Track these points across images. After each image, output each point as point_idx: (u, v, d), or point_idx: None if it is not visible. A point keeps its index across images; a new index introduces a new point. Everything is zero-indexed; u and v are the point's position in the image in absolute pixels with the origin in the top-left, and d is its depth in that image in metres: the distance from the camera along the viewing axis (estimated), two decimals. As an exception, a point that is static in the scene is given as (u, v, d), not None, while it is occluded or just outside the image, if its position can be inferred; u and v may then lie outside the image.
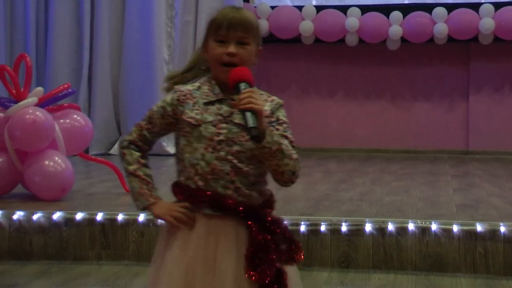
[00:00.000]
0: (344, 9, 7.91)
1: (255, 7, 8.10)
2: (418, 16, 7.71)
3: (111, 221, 4.23)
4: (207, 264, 2.12)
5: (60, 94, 5.15)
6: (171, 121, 2.23)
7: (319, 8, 8.01)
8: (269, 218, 2.18)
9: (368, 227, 3.96)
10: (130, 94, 7.86)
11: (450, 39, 7.69)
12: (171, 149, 7.78)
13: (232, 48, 2.16)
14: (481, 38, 7.61)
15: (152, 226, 4.17)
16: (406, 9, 7.81)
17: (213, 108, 2.17)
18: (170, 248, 2.19)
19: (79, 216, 4.27)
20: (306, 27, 7.84)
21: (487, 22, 7.44)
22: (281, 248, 2.15)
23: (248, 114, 2.02)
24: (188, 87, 2.24)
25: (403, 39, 7.76)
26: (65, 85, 5.21)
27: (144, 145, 2.28)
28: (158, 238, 2.30)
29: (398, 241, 3.93)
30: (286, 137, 2.15)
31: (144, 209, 2.24)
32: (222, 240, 2.13)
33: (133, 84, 7.83)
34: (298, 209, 4.45)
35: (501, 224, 3.92)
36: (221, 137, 2.14)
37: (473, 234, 3.89)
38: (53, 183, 4.77)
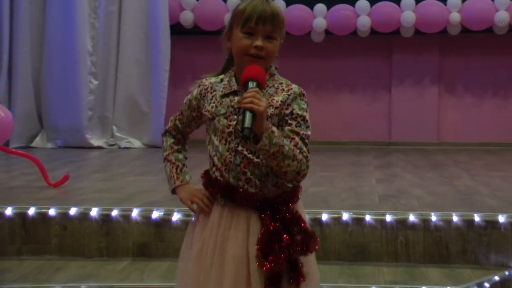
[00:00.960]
0: None
1: (180, -2, 8.05)
2: (342, 9, 7.80)
3: (32, 215, 4.14)
4: (216, 252, 2.16)
5: (-21, 86, 5.01)
6: (196, 114, 2.31)
7: None
8: (283, 209, 2.18)
9: (292, 218, 3.97)
10: (51, 86, 7.73)
11: (373, 31, 7.81)
12: (95, 142, 7.69)
13: (259, 42, 2.17)
14: (402, 31, 7.75)
15: (75, 220, 4.11)
16: (330, 2, 7.88)
17: (227, 100, 2.19)
18: (189, 241, 2.28)
19: (-2, 210, 4.16)
20: (231, 19, 7.82)
21: (408, 15, 7.58)
22: (296, 239, 2.15)
23: (247, 114, 2.01)
24: (212, 79, 2.29)
25: (327, 32, 7.83)
26: (-16, 77, 5.07)
27: (177, 133, 2.39)
28: (186, 234, 2.35)
29: (322, 231, 3.97)
30: (298, 133, 2.13)
31: (173, 192, 2.34)
32: (233, 229, 2.16)
33: (55, 76, 7.69)
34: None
35: (422, 213, 4.00)
36: (231, 129, 2.16)
37: (395, 223, 3.96)
38: (-28, 177, 4.64)
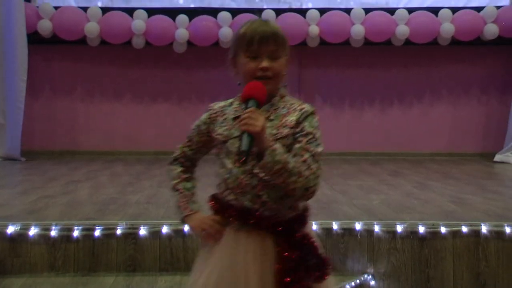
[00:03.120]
0: (130, 11, 7.86)
1: (37, 7, 7.82)
2: (204, 20, 7.82)
3: None
4: (234, 274, 2.14)
5: None
6: (206, 138, 2.31)
7: (104, 9, 7.89)
8: (298, 233, 2.17)
9: (152, 230, 3.95)
10: None
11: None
12: None
13: (265, 63, 2.17)
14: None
15: None
16: (192, 13, 7.89)
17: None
18: (201, 262, 2.26)
19: None
20: (92, 28, 7.69)
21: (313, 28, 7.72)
22: (310, 265, 2.15)
23: (244, 137, 2.00)
24: (221, 103, 2.30)
25: (189, 42, 7.84)
26: None
27: (186, 161, 2.40)
28: (199, 253, 2.33)
29: (184, 242, 3.96)
30: (307, 150, 2.12)
31: (182, 221, 2.32)
32: (250, 255, 2.15)
33: None
34: (84, 213, 4.34)
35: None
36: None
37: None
38: None
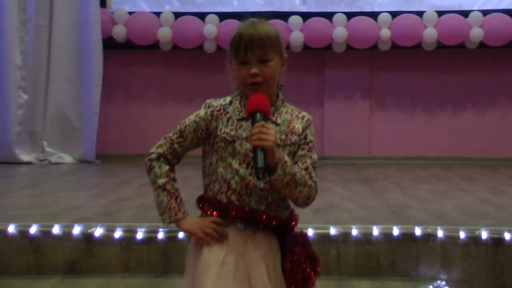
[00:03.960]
0: (202, 15, 7.93)
1: (112, 12, 7.98)
2: (275, 24, 7.82)
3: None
4: (246, 278, 2.16)
5: None
6: (203, 136, 2.25)
7: (177, 14, 7.99)
8: (294, 232, 2.24)
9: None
10: (-20, 100, 7.54)
11: (306, 47, 7.88)
12: (24, 157, 7.54)
13: (254, 69, 2.17)
14: (334, 46, 7.84)
15: (2, 237, 4.01)
16: (262, 17, 7.89)
17: (247, 124, 2.17)
18: (208, 260, 2.19)
19: None
20: (164, 33, 7.80)
21: (340, 31, 7.68)
22: (313, 264, 2.22)
23: (258, 153, 2.01)
24: (220, 101, 2.26)
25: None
26: None
27: (174, 158, 2.29)
28: (189, 253, 2.31)
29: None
30: (310, 157, 2.19)
31: (170, 223, 2.25)
32: (257, 253, 2.17)
33: (-17, 90, 7.52)
34: (157, 216, 4.39)
35: (353, 227, 4.04)
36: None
37: (326, 237, 3.99)
38: None
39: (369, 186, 5.95)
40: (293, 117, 2.25)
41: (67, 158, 7.72)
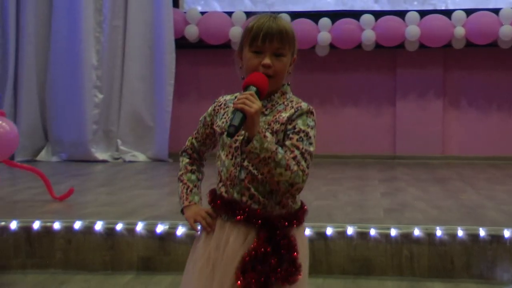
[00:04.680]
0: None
1: (185, 12, 8.07)
2: (346, 23, 7.81)
3: (36, 229, 4.14)
4: (219, 268, 2.17)
5: (-16, 100, 5.03)
6: (210, 131, 2.32)
7: (248, 14, 8.02)
8: (281, 232, 2.16)
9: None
10: (57, 100, 7.74)
11: (378, 45, 7.82)
12: (100, 155, 7.69)
13: (267, 60, 2.17)
14: (407, 45, 7.76)
15: (79, 234, 4.11)
16: (334, 16, 7.90)
17: None
18: (192, 255, 2.29)
19: (3, 224, 4.17)
20: (236, 33, 7.85)
21: (413, 29, 7.59)
22: (281, 266, 2.14)
23: (237, 113, 2.02)
24: (228, 97, 2.32)
25: (331, 46, 7.85)
26: (-11, 90, 5.08)
27: (193, 153, 2.39)
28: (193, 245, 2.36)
29: (326, 245, 3.97)
30: (298, 147, 2.10)
31: (182, 211, 2.34)
32: (231, 243, 2.16)
33: (60, 90, 7.71)
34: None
35: (426, 227, 3.99)
36: (237, 144, 2.16)
37: (399, 237, 3.96)
38: (-23, 190, 4.65)
39: (443, 186, 5.86)
40: (287, 108, 2.19)
41: (141, 157, 7.85)
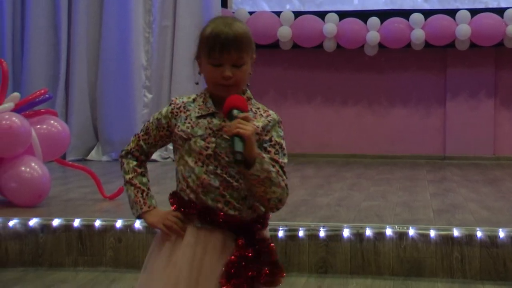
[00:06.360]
0: (322, 14, 7.94)
1: (233, 12, 8.10)
2: (395, 22, 7.75)
3: (88, 227, 4.20)
4: (192, 273, 2.12)
5: (37, 100, 5.12)
6: (165, 133, 2.24)
7: (297, 13, 8.02)
8: (257, 236, 2.17)
9: (346, 232, 3.96)
10: (107, 99, 7.83)
11: (427, 45, 7.74)
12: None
13: (228, 73, 2.13)
14: (457, 44, 7.66)
15: (129, 232, 4.15)
16: (383, 15, 7.85)
17: (204, 121, 2.16)
18: (158, 257, 2.21)
19: (55, 222, 4.24)
20: (284, 32, 7.85)
21: (463, 28, 7.50)
22: (263, 269, 2.13)
23: (236, 139, 2.01)
24: (184, 99, 2.24)
25: (380, 45, 7.80)
26: (42, 91, 5.17)
27: (141, 155, 2.29)
28: (151, 246, 2.30)
29: (375, 246, 3.94)
30: (277, 161, 2.12)
31: (138, 217, 2.27)
32: (209, 252, 2.13)
33: (110, 90, 7.80)
34: (276, 215, 4.43)
35: (478, 229, 3.94)
36: (209, 151, 2.13)
37: (450, 239, 3.91)
38: (30, 189, 4.73)
39: (495, 187, 5.78)
40: (256, 115, 2.17)
41: (189, 156, 7.89)
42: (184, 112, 2.20)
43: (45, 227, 4.23)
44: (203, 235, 2.14)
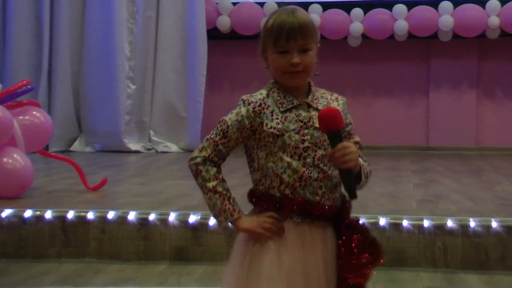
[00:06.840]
0: (305, 5, 7.92)
1: (217, 3, 8.08)
2: (379, 13, 7.77)
3: (71, 219, 4.19)
4: (305, 272, 2.12)
5: (19, 91, 5.08)
6: (248, 133, 2.17)
7: (280, 4, 8.00)
8: (347, 220, 2.19)
9: (329, 223, 3.97)
10: (90, 90, 7.81)
11: (411, 36, 7.76)
12: (133, 146, 7.74)
13: (296, 59, 2.12)
14: (440, 35, 7.69)
15: (113, 223, 4.15)
16: (367, 6, 7.85)
17: (292, 115, 2.14)
18: (264, 259, 2.14)
19: (38, 213, 4.22)
20: (268, 23, 7.84)
21: (446, 19, 7.52)
22: (369, 250, 2.16)
23: (347, 174, 2.06)
24: (257, 96, 2.21)
25: (364, 36, 7.81)
26: (24, 81, 5.13)
27: (220, 160, 2.21)
28: (236, 244, 2.25)
29: (359, 236, 3.95)
30: (358, 143, 2.20)
31: (227, 224, 2.20)
32: (316, 245, 2.14)
33: (93, 81, 7.78)
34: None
35: (460, 219, 3.97)
36: (306, 144, 2.12)
37: (432, 229, 3.93)
38: (12, 180, 4.71)
39: (477, 177, 5.82)
40: (328, 100, 2.21)
41: (173, 147, 7.89)
42: (267, 109, 2.16)
43: (28, 219, 4.22)
44: (303, 230, 2.14)
